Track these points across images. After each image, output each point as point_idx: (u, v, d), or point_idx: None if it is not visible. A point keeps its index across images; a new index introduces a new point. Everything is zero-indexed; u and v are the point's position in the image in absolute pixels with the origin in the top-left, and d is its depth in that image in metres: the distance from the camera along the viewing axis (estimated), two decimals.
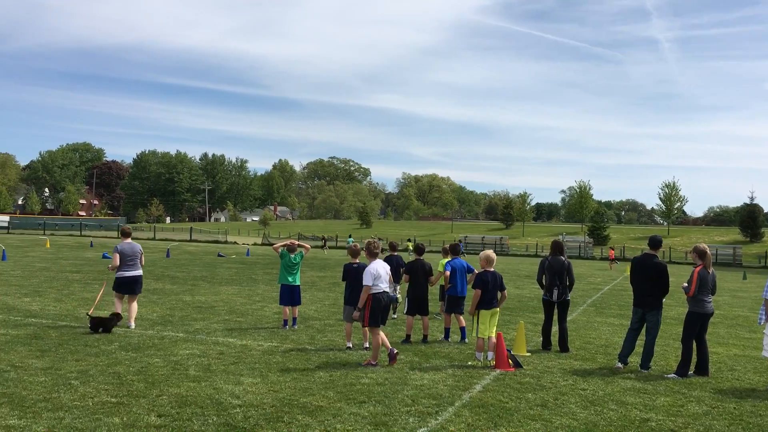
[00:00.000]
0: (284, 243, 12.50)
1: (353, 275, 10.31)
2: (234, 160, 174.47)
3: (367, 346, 10.26)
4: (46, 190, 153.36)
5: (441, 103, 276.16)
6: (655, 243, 9.71)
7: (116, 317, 11.33)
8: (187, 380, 7.86)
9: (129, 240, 12.11)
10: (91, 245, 45.63)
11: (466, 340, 11.47)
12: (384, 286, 9.34)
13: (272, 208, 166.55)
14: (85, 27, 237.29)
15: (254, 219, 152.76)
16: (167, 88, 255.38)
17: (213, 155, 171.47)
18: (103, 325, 11.00)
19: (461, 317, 11.69)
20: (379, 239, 10.54)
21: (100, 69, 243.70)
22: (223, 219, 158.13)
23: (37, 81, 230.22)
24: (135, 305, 11.96)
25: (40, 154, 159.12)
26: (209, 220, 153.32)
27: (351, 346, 10.32)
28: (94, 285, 18.63)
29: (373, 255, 9.53)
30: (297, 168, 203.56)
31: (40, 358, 8.80)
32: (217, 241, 63.64)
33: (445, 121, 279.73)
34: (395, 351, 9.34)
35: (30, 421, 6.09)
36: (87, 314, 11.52)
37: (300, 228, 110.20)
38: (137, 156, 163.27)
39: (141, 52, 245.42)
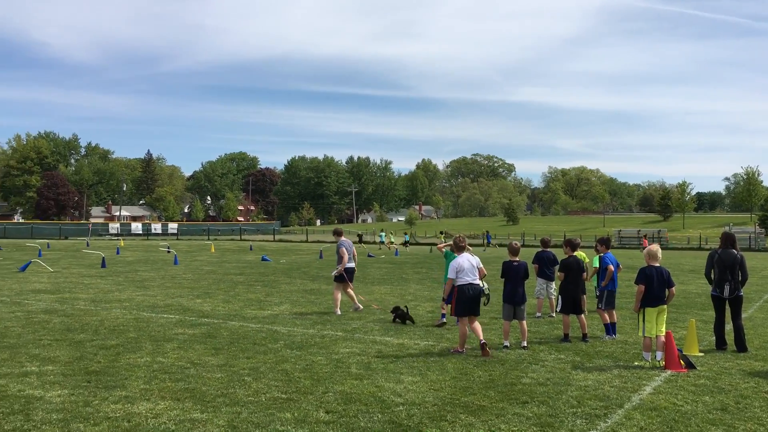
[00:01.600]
0: (448, 243, 12.81)
1: (512, 273, 10.19)
2: (379, 162, 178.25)
3: (525, 344, 10.08)
4: (209, 197, 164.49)
5: (587, 93, 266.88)
6: None
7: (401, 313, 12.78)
8: (350, 378, 8.09)
9: (343, 238, 14.55)
10: (251, 249, 48.29)
11: (606, 337, 11.07)
12: (469, 278, 9.67)
13: (417, 207, 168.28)
14: (239, 43, 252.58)
15: (400, 219, 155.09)
16: (314, 96, 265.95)
17: (358, 158, 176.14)
18: (400, 316, 12.66)
19: (606, 314, 11.33)
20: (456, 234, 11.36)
21: (253, 82, 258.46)
22: (369, 220, 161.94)
23: (198, 97, 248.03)
24: (351, 291, 14.34)
25: (201, 164, 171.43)
26: (357, 222, 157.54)
27: (508, 345, 10.16)
28: (257, 286, 19.69)
29: (460, 249, 10.12)
30: (440, 167, 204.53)
31: (215, 355, 9.41)
32: (366, 242, 65.19)
33: (592, 111, 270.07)
34: (484, 343, 9.60)
35: (211, 415, 6.51)
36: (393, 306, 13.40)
37: (445, 226, 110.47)
38: (288, 162, 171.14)
39: (288, 63, 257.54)
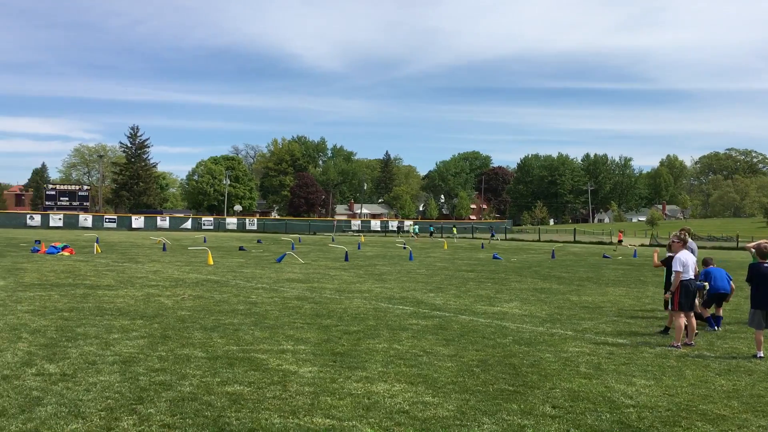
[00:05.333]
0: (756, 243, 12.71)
1: (762, 277, 9.39)
2: (617, 159, 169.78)
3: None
4: (442, 196, 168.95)
5: None
6: None
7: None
8: (578, 376, 8.04)
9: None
10: (482, 247, 48.87)
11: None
12: (691, 274, 10.17)
13: (660, 207, 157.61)
14: (472, 44, 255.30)
15: (640, 219, 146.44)
16: (548, 92, 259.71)
17: (595, 155, 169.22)
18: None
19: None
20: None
21: (486, 81, 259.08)
22: (607, 219, 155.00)
23: (433, 98, 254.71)
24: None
25: (436, 164, 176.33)
26: (593, 221, 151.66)
27: (762, 355, 9.34)
28: (487, 283, 20.01)
29: (683, 244, 10.53)
30: (687, 163, 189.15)
31: (446, 346, 9.86)
32: (601, 242, 62.68)
33: None
34: (692, 344, 10.08)
35: (442, 400, 6.91)
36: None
37: (691, 227, 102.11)
38: (521, 161, 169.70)
39: (523, 61, 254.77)
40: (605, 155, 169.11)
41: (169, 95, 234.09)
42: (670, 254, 11.02)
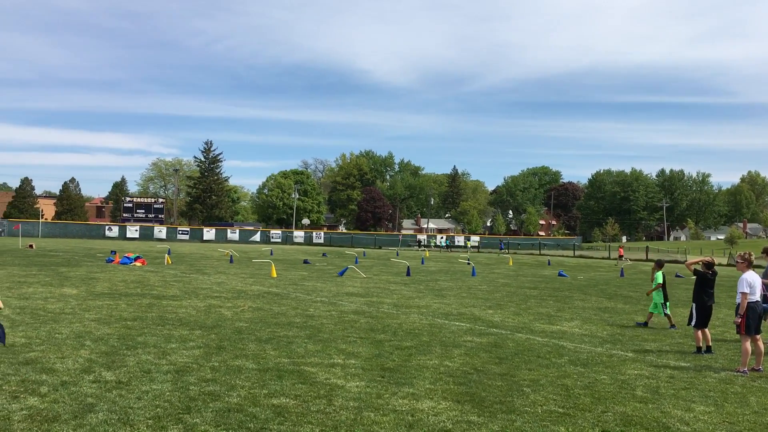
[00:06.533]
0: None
1: None
2: (695, 175, 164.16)
3: None
4: (510, 212, 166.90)
5: None
6: None
7: None
8: (633, 400, 7.75)
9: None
10: (549, 263, 47.93)
11: None
12: (757, 295, 9.77)
13: (740, 225, 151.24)
14: (544, 59, 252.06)
15: (719, 237, 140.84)
16: (621, 107, 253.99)
17: (671, 171, 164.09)
18: None
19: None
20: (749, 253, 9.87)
21: (557, 95, 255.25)
22: (683, 237, 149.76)
23: (503, 113, 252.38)
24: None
25: (504, 179, 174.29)
26: (668, 239, 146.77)
27: None
28: (549, 301, 19.58)
29: (748, 265, 10.02)
30: None
31: (499, 364, 9.68)
32: (675, 261, 60.51)
33: None
34: (760, 370, 9.64)
35: (487, 419, 6.77)
36: None
37: None
38: (592, 176, 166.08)
39: (594, 75, 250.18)
40: (682, 171, 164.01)
41: (242, 111, 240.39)
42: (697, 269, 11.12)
